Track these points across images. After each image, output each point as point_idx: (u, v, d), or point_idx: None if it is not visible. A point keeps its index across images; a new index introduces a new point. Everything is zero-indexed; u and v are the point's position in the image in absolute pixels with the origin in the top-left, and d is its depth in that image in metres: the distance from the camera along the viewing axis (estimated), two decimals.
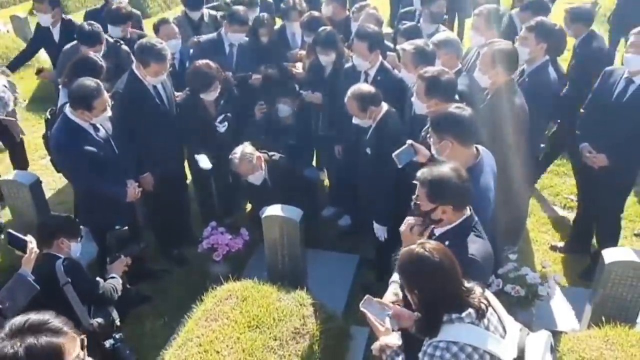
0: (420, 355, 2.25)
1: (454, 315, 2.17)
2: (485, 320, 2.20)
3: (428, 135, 3.24)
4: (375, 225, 4.25)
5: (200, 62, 4.61)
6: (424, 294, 2.22)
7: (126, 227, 3.84)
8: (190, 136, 4.75)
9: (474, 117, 3.14)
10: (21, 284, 3.05)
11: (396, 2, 8.69)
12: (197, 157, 4.63)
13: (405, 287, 2.30)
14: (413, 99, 3.75)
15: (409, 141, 3.51)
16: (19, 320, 1.67)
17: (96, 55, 4.46)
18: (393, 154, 3.51)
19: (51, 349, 1.65)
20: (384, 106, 4.09)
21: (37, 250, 3.23)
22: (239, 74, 5.24)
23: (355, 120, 4.13)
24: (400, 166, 3.52)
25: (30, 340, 1.62)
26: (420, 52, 4.10)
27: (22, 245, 3.20)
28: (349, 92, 4.08)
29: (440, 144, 3.11)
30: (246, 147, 4.42)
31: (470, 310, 2.18)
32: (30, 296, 3.08)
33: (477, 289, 2.25)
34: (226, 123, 4.69)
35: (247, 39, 5.49)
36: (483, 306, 2.19)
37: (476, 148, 3.19)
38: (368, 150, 4.11)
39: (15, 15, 9.79)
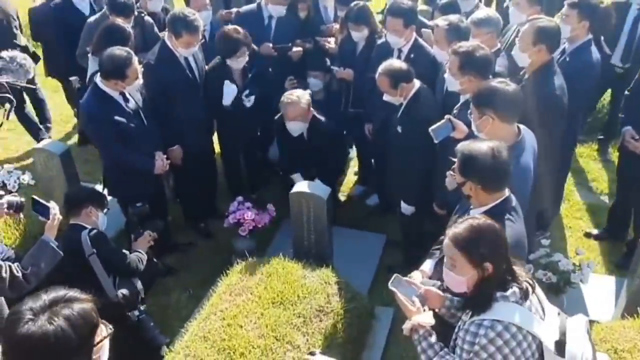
0: (461, 334, 2.19)
1: (498, 294, 2.12)
2: (528, 301, 2.15)
3: (469, 112, 3.13)
4: (403, 205, 4.17)
5: (229, 27, 4.55)
6: (495, 265, 2.14)
7: (147, 205, 3.84)
8: (216, 105, 4.64)
9: (518, 93, 3.02)
10: (44, 249, 3.05)
11: None
12: (225, 88, 4.53)
13: (470, 264, 2.18)
14: (446, 75, 3.64)
15: (447, 116, 3.41)
16: (38, 299, 1.61)
17: (123, 23, 4.43)
18: (430, 129, 3.42)
19: (87, 315, 1.61)
20: (416, 83, 3.98)
21: (60, 217, 3.23)
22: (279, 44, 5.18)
23: (385, 97, 4.03)
24: (436, 141, 3.43)
25: (66, 311, 1.57)
26: (454, 28, 3.97)
27: (46, 212, 3.20)
28: (380, 68, 3.98)
29: (480, 120, 3.01)
30: (306, 94, 4.42)
31: (515, 289, 2.12)
32: (54, 262, 3.09)
33: (522, 269, 2.19)
34: (252, 97, 4.60)
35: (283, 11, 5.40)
36: (528, 286, 2.14)
37: (517, 127, 3.07)
38: (399, 129, 4.01)
39: None
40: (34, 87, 4.88)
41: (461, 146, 2.66)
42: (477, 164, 2.56)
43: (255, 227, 4.40)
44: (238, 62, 4.53)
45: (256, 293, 3.54)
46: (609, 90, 5.97)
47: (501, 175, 2.59)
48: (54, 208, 3.21)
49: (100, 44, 4.10)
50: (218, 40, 4.56)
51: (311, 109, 4.46)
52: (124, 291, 3.52)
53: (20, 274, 2.88)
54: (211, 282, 3.86)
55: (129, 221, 3.91)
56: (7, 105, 4.58)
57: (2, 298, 3.11)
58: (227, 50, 4.48)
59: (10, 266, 2.86)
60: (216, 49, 4.63)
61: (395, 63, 4.02)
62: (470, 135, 3.17)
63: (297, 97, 4.35)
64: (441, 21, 4.06)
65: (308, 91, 4.54)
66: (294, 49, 5.16)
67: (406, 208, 4.17)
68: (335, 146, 4.75)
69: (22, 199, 3.33)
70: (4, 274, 2.79)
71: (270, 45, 5.07)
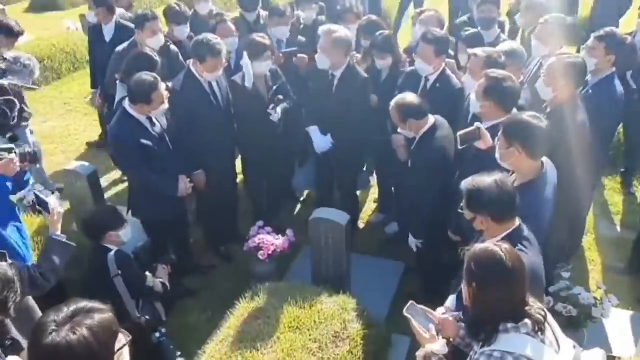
0: None
1: (509, 325, 2.12)
2: (542, 334, 2.13)
3: (497, 139, 3.15)
4: (410, 237, 4.20)
5: (255, 34, 4.73)
6: (485, 293, 2.15)
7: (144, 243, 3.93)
8: (243, 119, 4.70)
9: (549, 131, 3.02)
10: (53, 245, 3.08)
11: (455, 10, 8.57)
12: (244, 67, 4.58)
13: (465, 280, 2.23)
14: (472, 95, 3.68)
15: (477, 124, 3.45)
16: (60, 312, 1.67)
17: (152, 51, 4.60)
18: (458, 134, 3.47)
19: (108, 324, 1.68)
20: (431, 119, 3.98)
21: (61, 210, 3.24)
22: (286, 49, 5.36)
23: (399, 130, 4.08)
24: (460, 147, 3.48)
25: (88, 321, 1.64)
26: (492, 62, 3.96)
27: (47, 207, 3.21)
28: (393, 101, 4.02)
29: (507, 150, 3.02)
30: (345, 31, 4.56)
31: (527, 321, 2.11)
32: (68, 255, 3.11)
33: (535, 302, 2.18)
34: (279, 110, 4.62)
35: (303, 39, 5.54)
36: (541, 318, 2.13)
37: (541, 161, 3.09)
38: (409, 163, 4.06)
39: (84, 15, 10.18)
40: (38, 87, 4.77)
41: (465, 183, 2.72)
42: (484, 197, 2.60)
43: (274, 252, 4.44)
44: (262, 66, 4.59)
45: (273, 317, 3.57)
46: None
47: (509, 203, 2.62)
48: (53, 203, 3.22)
49: (129, 72, 4.24)
50: (245, 45, 4.67)
51: (352, 59, 4.51)
52: (147, 316, 3.59)
53: (37, 273, 2.94)
54: (230, 305, 3.89)
55: (136, 258, 3.96)
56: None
57: (33, 301, 3.17)
58: (253, 53, 4.56)
59: (27, 267, 2.93)
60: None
61: (408, 98, 3.99)
62: (494, 150, 3.19)
63: (335, 29, 4.48)
64: (480, 51, 4.07)
65: (348, 32, 4.61)
66: (299, 55, 5.27)
67: (413, 241, 4.18)
68: (361, 102, 4.64)
69: (35, 149, 3.33)
70: (22, 275, 2.84)
71: (281, 54, 5.22)
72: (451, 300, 2.93)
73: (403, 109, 3.94)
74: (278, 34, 5.43)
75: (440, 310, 2.79)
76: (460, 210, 2.74)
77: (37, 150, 3.29)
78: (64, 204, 4.93)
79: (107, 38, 5.91)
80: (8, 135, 4.74)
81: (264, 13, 6.11)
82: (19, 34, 5.07)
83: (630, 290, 4.61)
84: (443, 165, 3.87)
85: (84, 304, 1.71)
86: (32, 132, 5.24)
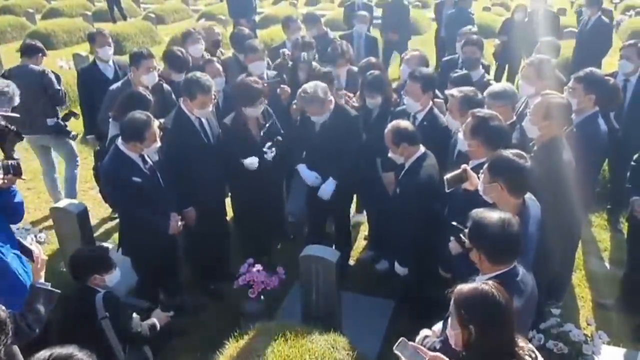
0: None
1: None
2: None
3: (480, 171, 3.21)
4: (396, 265, 4.25)
5: (248, 77, 4.83)
6: (480, 332, 2.14)
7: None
8: (234, 158, 4.71)
9: (533, 171, 3.09)
10: (38, 294, 3.00)
11: (442, 49, 8.79)
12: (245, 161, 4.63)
13: (459, 324, 2.22)
14: (459, 134, 3.76)
15: (464, 166, 3.51)
16: (42, 356, 1.66)
17: (145, 90, 4.66)
18: (445, 177, 3.52)
19: None
20: (421, 149, 4.12)
21: (45, 258, 3.17)
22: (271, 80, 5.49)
23: (389, 154, 4.19)
24: (447, 190, 3.51)
25: None
26: (468, 100, 4.11)
27: (30, 255, 3.15)
28: (389, 125, 4.17)
29: (489, 185, 3.08)
30: (319, 85, 4.60)
31: None
32: (52, 302, 3.04)
33: (526, 342, 2.18)
34: (274, 149, 4.72)
35: (280, 76, 5.71)
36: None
37: (523, 198, 3.13)
38: (397, 190, 4.15)
39: (77, 54, 10.32)
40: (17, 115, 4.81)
41: (474, 212, 2.72)
42: (485, 233, 2.61)
43: (264, 289, 4.42)
44: (256, 110, 4.70)
45: (263, 356, 3.53)
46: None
47: (508, 248, 2.63)
48: (37, 249, 3.16)
49: (121, 110, 4.28)
50: (238, 89, 4.74)
51: (332, 98, 4.64)
52: (133, 357, 3.54)
53: (23, 323, 2.89)
54: (219, 345, 3.85)
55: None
56: None
57: (16, 347, 3.11)
58: (248, 99, 4.62)
59: (13, 315, 2.88)
60: (233, 96, 4.81)
61: (403, 123, 4.19)
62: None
63: (313, 91, 4.54)
64: (456, 92, 4.22)
65: (321, 83, 4.70)
66: (282, 86, 5.41)
67: (398, 268, 4.23)
68: (350, 140, 4.71)
69: (17, 160, 3.24)
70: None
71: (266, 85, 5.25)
72: (438, 325, 2.93)
73: (397, 132, 4.07)
74: (255, 69, 5.57)
75: (426, 331, 2.78)
76: (454, 238, 2.76)
77: (18, 162, 3.21)
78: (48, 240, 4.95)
79: (110, 75, 5.97)
80: None
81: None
82: None
83: (620, 327, 4.61)
84: (430, 192, 3.96)
85: (68, 353, 1.69)
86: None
